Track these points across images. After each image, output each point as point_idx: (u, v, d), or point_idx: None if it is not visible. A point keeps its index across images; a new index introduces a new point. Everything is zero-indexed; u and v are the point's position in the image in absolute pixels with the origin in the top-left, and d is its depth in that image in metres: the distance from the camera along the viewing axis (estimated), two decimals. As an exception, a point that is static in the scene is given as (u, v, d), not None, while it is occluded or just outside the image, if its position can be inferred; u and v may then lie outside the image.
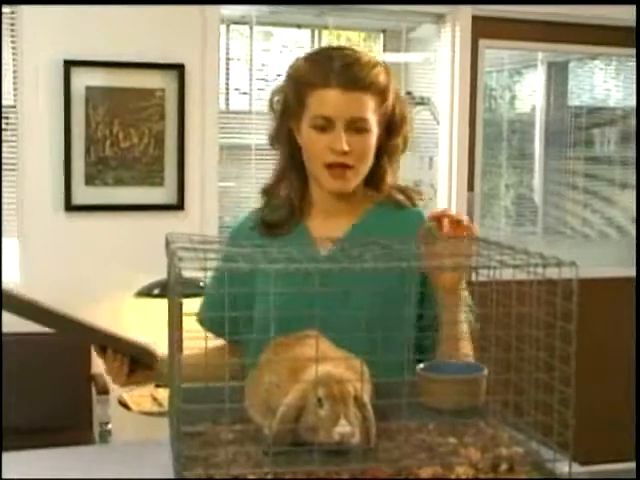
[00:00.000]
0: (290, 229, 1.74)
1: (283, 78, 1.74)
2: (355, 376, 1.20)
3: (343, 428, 1.15)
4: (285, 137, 1.73)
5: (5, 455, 1.30)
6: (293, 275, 1.14)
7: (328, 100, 1.64)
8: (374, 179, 1.75)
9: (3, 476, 1.24)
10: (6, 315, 3.42)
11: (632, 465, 4.12)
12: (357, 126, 1.64)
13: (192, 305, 1.26)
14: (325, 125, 1.64)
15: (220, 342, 1.66)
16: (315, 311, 1.15)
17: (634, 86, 4.50)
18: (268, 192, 1.79)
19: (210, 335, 1.32)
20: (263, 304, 1.55)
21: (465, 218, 1.55)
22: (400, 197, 1.77)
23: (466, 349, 1.57)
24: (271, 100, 1.75)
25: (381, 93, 1.67)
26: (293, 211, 1.75)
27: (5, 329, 3.35)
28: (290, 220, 1.74)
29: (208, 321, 1.60)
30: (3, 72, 3.60)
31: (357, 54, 1.68)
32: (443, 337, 1.55)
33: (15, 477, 1.25)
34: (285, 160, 1.76)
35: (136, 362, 1.66)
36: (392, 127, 1.73)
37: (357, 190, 1.73)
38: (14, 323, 3.61)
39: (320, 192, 1.73)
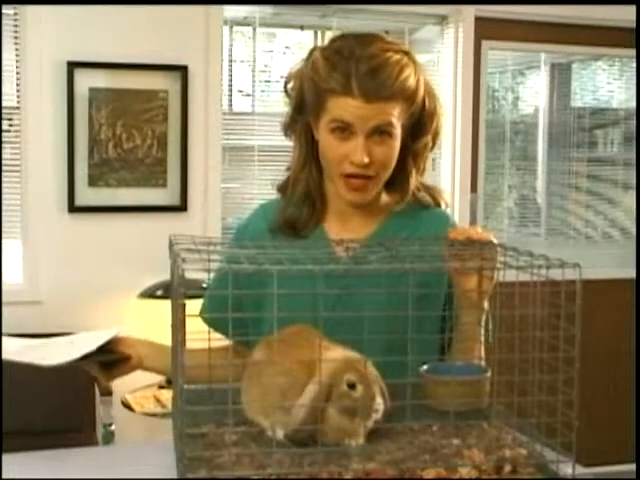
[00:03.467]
0: (310, 231, 1.65)
1: (299, 65, 1.62)
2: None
3: (380, 406, 1.19)
4: (301, 129, 1.64)
5: (7, 457, 1.30)
6: (314, 278, 1.13)
7: (349, 108, 1.51)
8: (396, 183, 1.65)
9: (6, 477, 1.24)
10: (8, 317, 3.43)
11: (632, 467, 4.12)
12: (380, 132, 1.53)
13: (195, 306, 1.26)
14: (344, 131, 1.53)
15: (225, 343, 1.63)
16: (330, 313, 1.14)
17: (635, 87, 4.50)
18: (285, 188, 1.70)
19: (215, 334, 1.31)
20: (278, 306, 1.48)
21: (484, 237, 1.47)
22: (425, 197, 1.69)
23: (480, 352, 1.56)
24: (286, 85, 1.64)
25: (409, 97, 1.55)
26: (314, 208, 1.65)
27: (8, 330, 3.35)
28: (311, 219, 1.65)
29: (212, 319, 1.49)
30: (7, 73, 3.61)
31: (383, 55, 1.52)
32: (458, 338, 1.54)
33: (17, 478, 1.25)
34: (302, 154, 1.65)
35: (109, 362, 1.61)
36: (420, 125, 1.61)
37: (377, 193, 1.65)
38: (16, 324, 3.62)
39: (337, 192, 1.64)
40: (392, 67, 1.52)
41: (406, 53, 1.57)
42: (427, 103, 1.60)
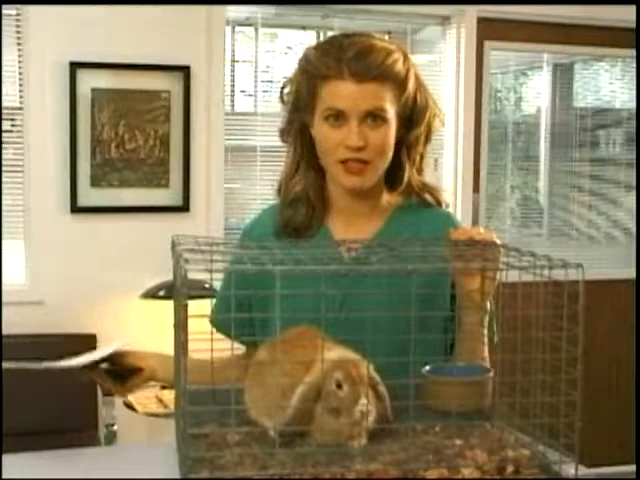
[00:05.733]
0: (313, 232, 1.66)
1: (294, 69, 1.65)
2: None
3: (363, 407, 1.17)
4: (298, 131, 1.66)
5: (10, 457, 1.30)
6: (319, 279, 1.14)
7: (341, 92, 1.55)
8: (392, 176, 1.67)
9: (7, 478, 1.24)
10: (11, 317, 3.43)
11: (632, 468, 4.12)
12: (374, 117, 1.55)
13: (198, 307, 1.26)
14: (338, 118, 1.56)
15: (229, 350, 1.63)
16: (336, 314, 1.14)
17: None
18: (283, 189, 1.70)
19: (217, 334, 1.30)
20: (284, 307, 1.48)
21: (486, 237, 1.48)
22: (427, 196, 1.70)
23: (484, 352, 1.57)
24: (282, 91, 1.67)
25: (400, 83, 1.58)
26: (313, 209, 1.66)
27: (10, 330, 3.36)
28: (312, 220, 1.66)
29: (222, 324, 1.47)
30: (9, 74, 3.61)
31: (371, 41, 1.57)
32: (461, 339, 1.54)
33: (19, 478, 1.25)
34: (298, 155, 1.67)
35: (119, 372, 1.62)
36: (413, 118, 1.63)
37: (377, 189, 1.67)
38: (19, 324, 3.62)
39: (338, 190, 1.66)
40: (380, 50, 1.56)
41: (396, 45, 1.61)
42: (418, 96, 1.63)
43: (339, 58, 1.55)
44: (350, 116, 1.55)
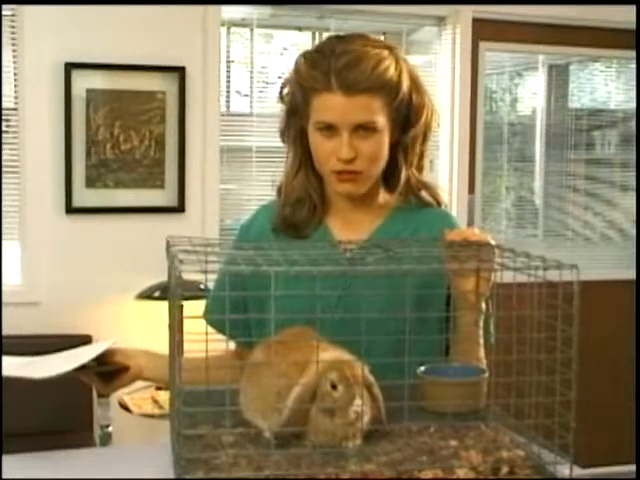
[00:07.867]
0: (311, 230, 1.67)
1: (291, 71, 1.64)
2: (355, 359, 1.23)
3: (358, 407, 1.18)
4: (296, 134, 1.66)
5: (5, 458, 1.30)
6: (315, 279, 1.14)
7: (330, 105, 1.53)
8: (389, 178, 1.67)
9: (5, 478, 1.24)
10: (6, 318, 3.43)
11: (632, 468, 4.12)
12: (365, 128, 1.55)
13: (193, 307, 1.26)
14: (330, 129, 1.55)
15: (224, 347, 1.62)
16: (332, 315, 1.14)
17: (635, 88, 4.50)
18: (284, 190, 1.71)
19: (213, 335, 1.30)
20: (280, 307, 1.47)
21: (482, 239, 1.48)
22: (425, 195, 1.70)
23: (480, 353, 1.57)
24: (281, 91, 1.67)
25: (391, 89, 1.56)
26: (314, 208, 1.67)
27: (6, 331, 3.35)
28: (312, 219, 1.67)
29: (216, 321, 1.49)
30: (4, 74, 3.60)
31: (362, 49, 1.54)
32: (456, 340, 1.55)
33: (17, 478, 1.25)
34: (299, 157, 1.67)
35: (106, 371, 1.61)
36: (409, 119, 1.62)
37: (374, 189, 1.67)
38: (15, 325, 3.61)
39: (334, 189, 1.67)
40: (370, 59, 1.53)
41: (389, 48, 1.59)
42: (414, 97, 1.61)
43: (328, 70, 1.53)
44: (340, 128, 1.55)
